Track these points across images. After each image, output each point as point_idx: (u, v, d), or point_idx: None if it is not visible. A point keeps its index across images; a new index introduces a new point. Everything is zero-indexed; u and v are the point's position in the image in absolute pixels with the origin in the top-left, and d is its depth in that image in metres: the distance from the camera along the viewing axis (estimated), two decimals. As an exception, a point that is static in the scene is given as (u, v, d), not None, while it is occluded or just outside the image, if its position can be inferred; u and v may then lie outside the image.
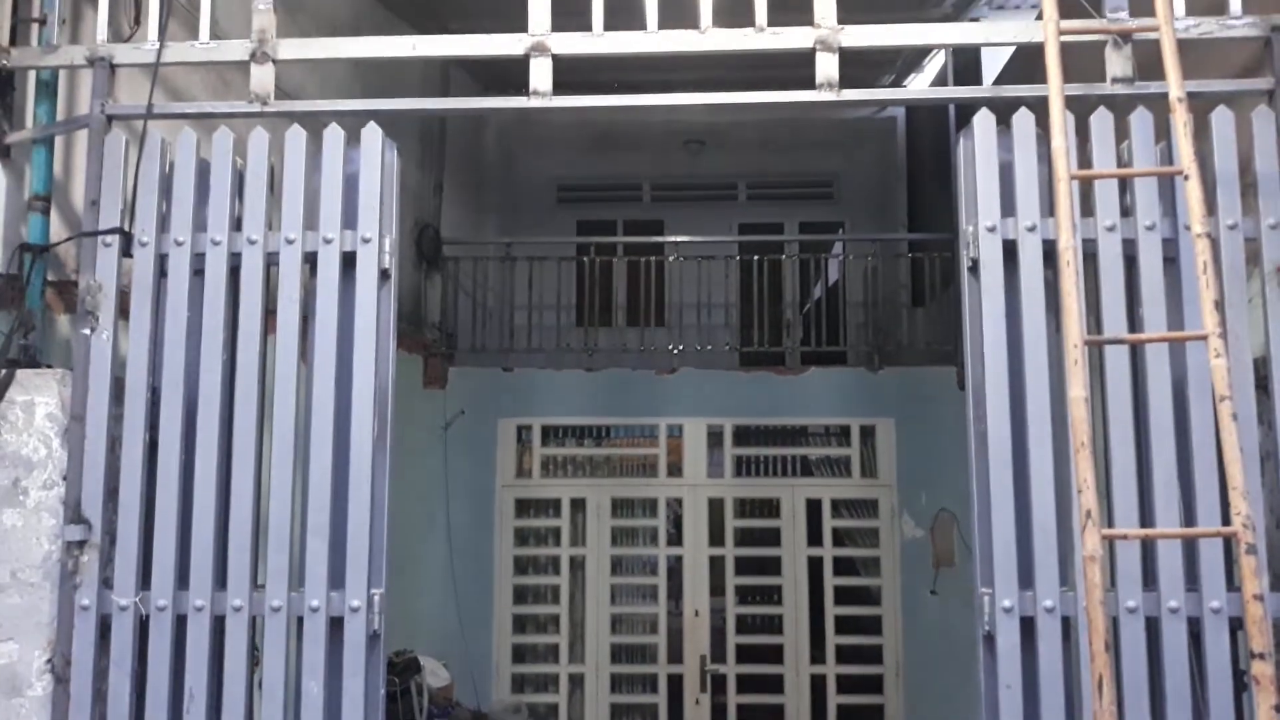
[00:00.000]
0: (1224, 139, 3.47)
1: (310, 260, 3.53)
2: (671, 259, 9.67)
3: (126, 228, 3.55)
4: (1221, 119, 3.47)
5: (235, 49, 3.68)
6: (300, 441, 3.47)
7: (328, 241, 3.49)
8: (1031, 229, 3.44)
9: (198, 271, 3.54)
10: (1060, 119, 3.24)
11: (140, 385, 3.48)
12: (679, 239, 9.96)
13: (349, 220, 3.53)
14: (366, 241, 3.49)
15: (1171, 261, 3.44)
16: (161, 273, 3.55)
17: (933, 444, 8.11)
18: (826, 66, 3.55)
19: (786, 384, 8.67)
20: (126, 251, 3.54)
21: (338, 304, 3.48)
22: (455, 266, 8.98)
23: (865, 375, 8.73)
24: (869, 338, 9.23)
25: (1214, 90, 3.59)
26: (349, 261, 3.51)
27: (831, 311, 9.79)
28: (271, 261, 3.54)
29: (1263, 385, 3.44)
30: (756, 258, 9.33)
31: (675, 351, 9.08)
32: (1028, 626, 3.26)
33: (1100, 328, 3.41)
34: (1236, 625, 3.16)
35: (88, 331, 3.48)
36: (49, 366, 3.59)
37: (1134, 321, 3.43)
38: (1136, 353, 3.38)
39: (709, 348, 9.17)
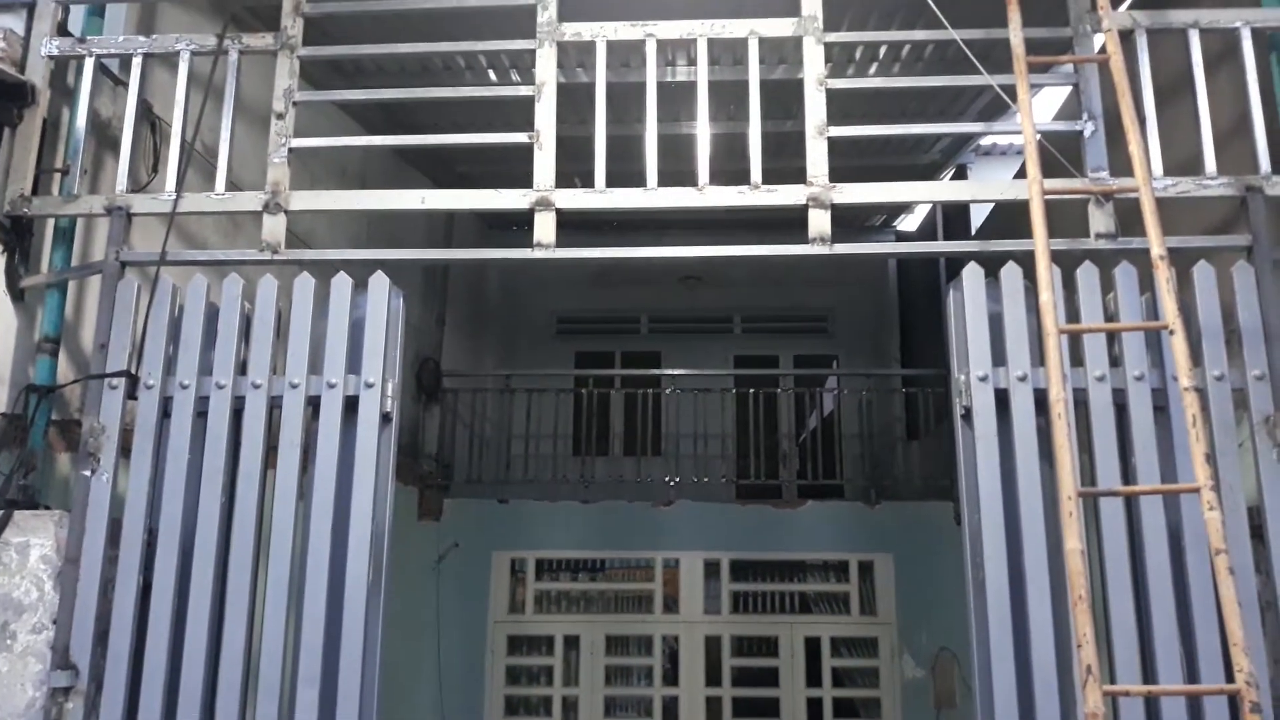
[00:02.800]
0: (1206, 293, 3.57)
1: (313, 404, 3.58)
2: (668, 391, 9.74)
3: (133, 370, 3.61)
4: (1203, 274, 3.59)
5: (249, 200, 3.81)
6: (295, 587, 3.45)
7: (331, 386, 3.55)
8: (1023, 378, 3.51)
9: (201, 414, 3.58)
10: (1047, 274, 3.34)
11: (138, 527, 3.48)
12: (676, 372, 10.06)
13: (353, 365, 3.59)
14: (369, 386, 3.55)
15: (1162, 410, 3.49)
16: (165, 414, 3.59)
17: (932, 581, 8.02)
18: (819, 222, 3.69)
19: (783, 518, 8.62)
20: (131, 394, 3.60)
21: (338, 449, 3.52)
22: (454, 398, 9.04)
23: (862, 510, 8.69)
24: (865, 471, 9.23)
25: (1195, 246, 3.72)
26: (351, 406, 3.56)
27: (827, 444, 9.81)
28: (274, 405, 3.59)
29: (1258, 534, 3.45)
30: (752, 390, 9.41)
31: (671, 484, 9.06)
32: (1031, 781, 3.19)
33: (1094, 477, 3.44)
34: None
35: (88, 473, 3.50)
36: (47, 507, 3.60)
37: (1127, 470, 3.46)
38: (1131, 503, 3.40)
39: (705, 480, 9.15)
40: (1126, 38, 3.90)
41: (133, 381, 3.59)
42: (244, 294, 3.69)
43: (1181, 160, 3.90)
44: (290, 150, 3.88)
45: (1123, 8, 4.66)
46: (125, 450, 3.58)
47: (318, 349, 3.62)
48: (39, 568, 3.42)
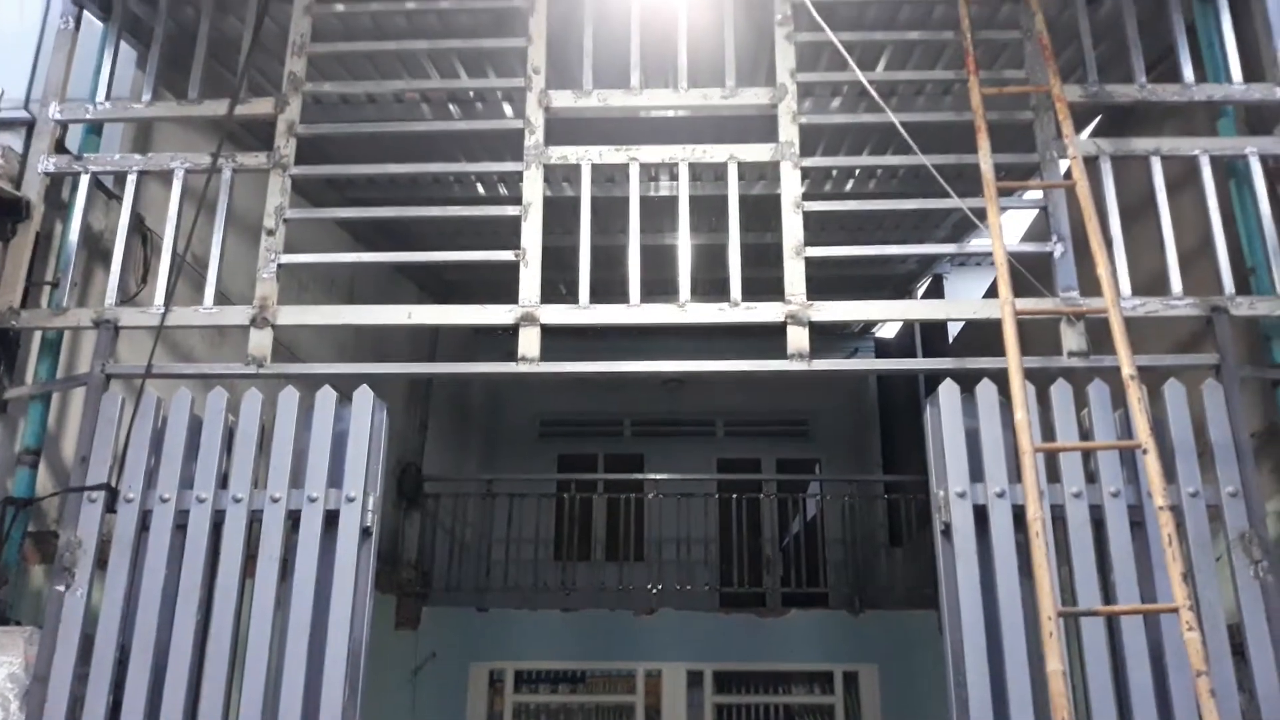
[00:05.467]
0: (1178, 410, 3.65)
1: (293, 518, 3.57)
2: (651, 495, 9.71)
3: (114, 483, 3.60)
4: (1174, 392, 3.66)
5: (237, 314, 3.87)
6: (270, 705, 3.38)
7: (312, 500, 3.55)
8: (1000, 495, 3.54)
9: (180, 527, 3.56)
10: (1021, 393, 3.41)
11: (110, 644, 3.42)
12: (659, 476, 10.04)
13: (335, 478, 3.60)
14: (351, 500, 3.55)
15: (1139, 526, 3.53)
16: (144, 528, 3.57)
17: (917, 693, 7.88)
18: (798, 338, 3.76)
19: (767, 627, 8.51)
20: (111, 507, 3.58)
21: (317, 564, 3.49)
22: (435, 503, 8.98)
23: (847, 619, 8.60)
24: (849, 578, 9.16)
25: (1165, 364, 3.81)
26: (331, 520, 3.55)
27: (811, 550, 9.75)
28: (255, 519, 3.58)
29: (1239, 651, 3.44)
30: (735, 495, 9.39)
31: (654, 591, 8.95)
32: None
33: (1074, 594, 3.45)
34: None
35: (62, 588, 3.46)
36: (17, 623, 3.54)
37: (1107, 586, 3.47)
38: (1113, 621, 3.40)
39: (688, 587, 9.05)
40: (1091, 163, 4.06)
41: (112, 494, 3.58)
42: (228, 406, 3.71)
43: (1150, 275, 4.02)
44: (280, 265, 3.95)
45: (1085, 134, 4.86)
46: (102, 563, 3.54)
47: (300, 462, 3.62)
48: (6, 686, 3.35)
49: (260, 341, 3.82)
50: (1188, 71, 4.25)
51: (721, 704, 8.45)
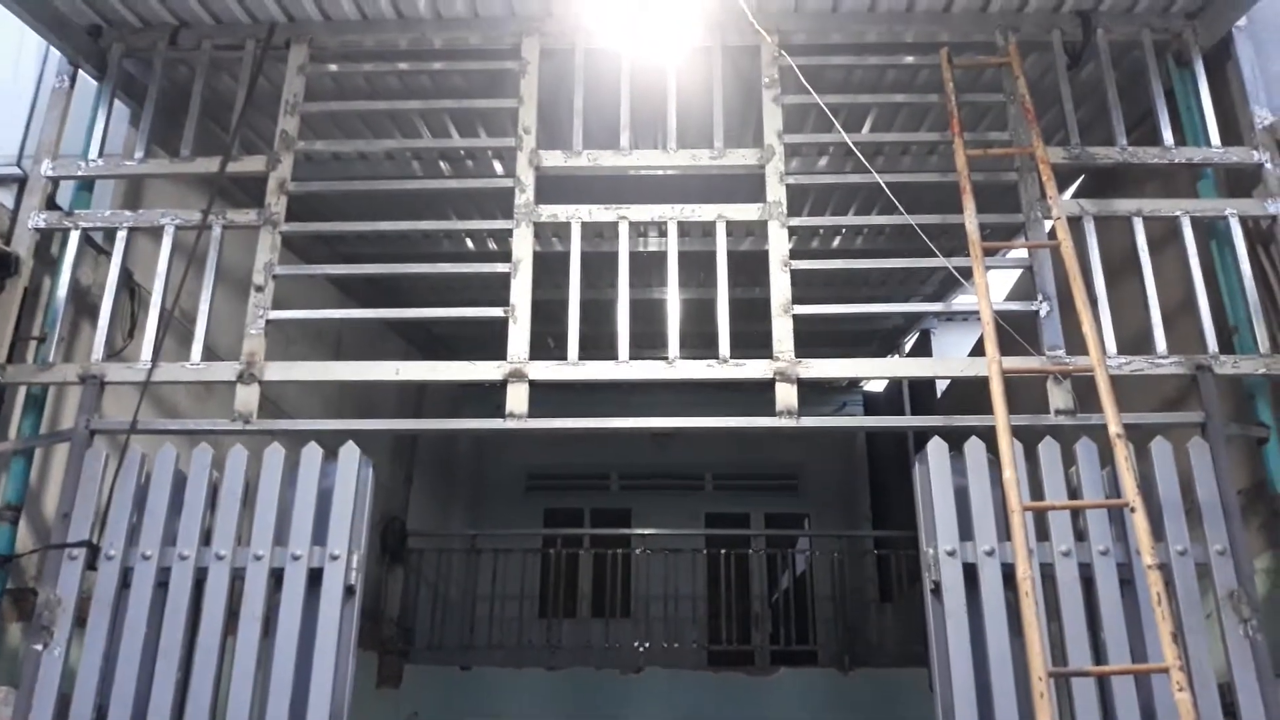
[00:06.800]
0: (1165, 469, 3.66)
1: (276, 575, 3.53)
2: (639, 551, 9.63)
3: (95, 540, 3.56)
4: (1161, 450, 3.68)
5: (224, 370, 3.86)
6: (249, 766, 3.32)
7: (295, 558, 3.51)
8: (990, 553, 3.53)
9: (162, 584, 3.52)
10: (1009, 452, 3.42)
11: (88, 703, 3.36)
12: (646, 531, 9.96)
13: (319, 536, 3.56)
14: (335, 558, 3.51)
15: (1128, 584, 3.52)
16: (125, 585, 3.52)
17: (908, 752, 7.78)
18: (786, 396, 3.77)
19: (756, 686, 8.40)
20: (91, 564, 3.53)
21: (300, 622, 3.45)
22: (419, 559, 8.88)
23: (837, 677, 8.49)
24: (838, 635, 9.07)
25: (1151, 422, 3.83)
26: (315, 578, 3.51)
27: (800, 606, 9.66)
28: (237, 576, 3.54)
29: (1230, 710, 3.42)
30: (724, 551, 9.32)
31: (641, 649, 8.84)
32: None
33: (1065, 653, 3.43)
34: None
35: (39, 647, 3.40)
36: (-7, 683, 3.47)
37: (1098, 644, 3.45)
38: (1104, 680, 3.38)
39: (676, 645, 8.94)
40: (1075, 223, 4.11)
41: (93, 551, 3.53)
42: (213, 462, 3.68)
43: (1135, 333, 4.06)
44: (268, 321, 3.95)
45: (1068, 194, 4.93)
46: (81, 621, 3.49)
47: (284, 519, 3.59)
48: (-20, 749, 3.28)
49: (247, 397, 3.80)
50: (1167, 135, 4.33)
51: (711, 765, 8.30)
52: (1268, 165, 4.16)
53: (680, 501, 11.43)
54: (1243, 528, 3.59)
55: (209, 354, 4.05)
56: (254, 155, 4.39)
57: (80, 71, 4.47)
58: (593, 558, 9.52)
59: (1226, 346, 4.01)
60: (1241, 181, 4.29)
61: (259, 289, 3.99)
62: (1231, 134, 4.32)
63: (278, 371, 3.87)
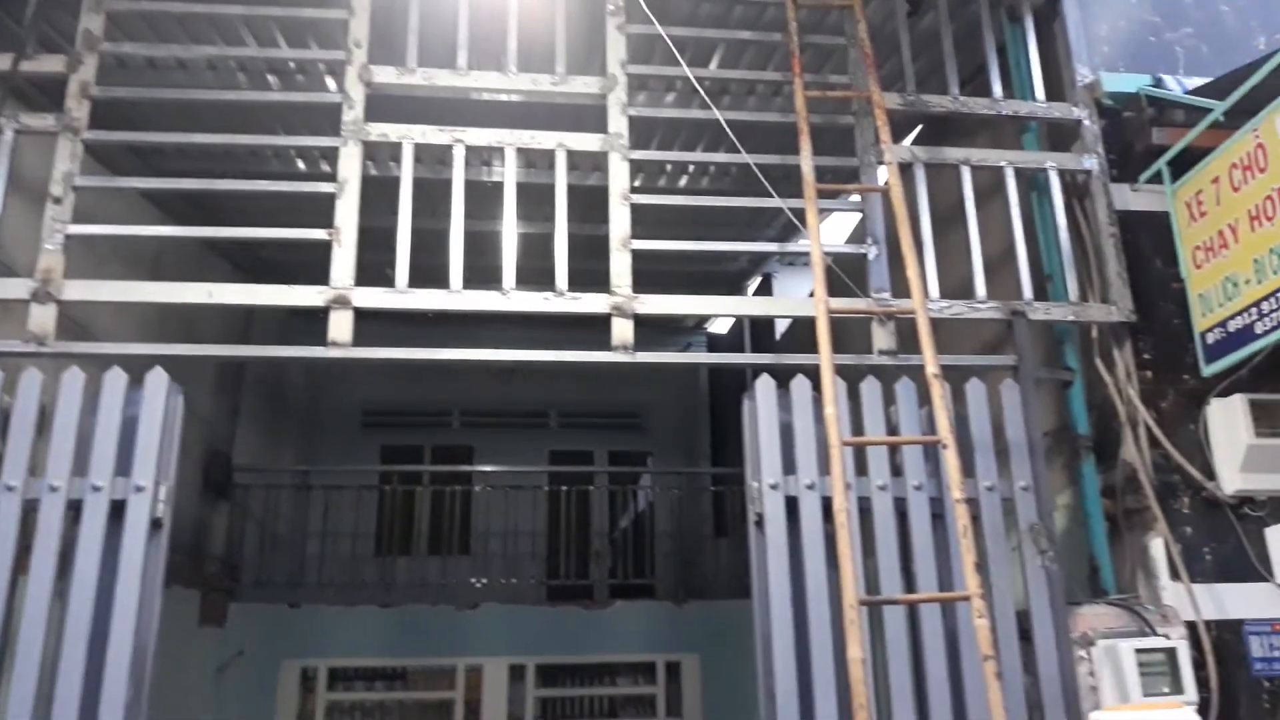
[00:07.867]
0: (978, 408, 3.83)
1: (75, 508, 3.30)
2: (479, 488, 9.55)
3: None
4: (975, 390, 3.84)
5: (16, 287, 3.54)
6: (41, 707, 3.11)
7: (96, 489, 3.29)
8: (810, 487, 3.63)
9: (-58, 518, 3.23)
10: (831, 388, 3.50)
11: None
12: (488, 468, 9.88)
13: (123, 467, 3.34)
14: (140, 490, 3.31)
15: (940, 518, 3.68)
16: (-103, 519, 3.22)
17: (737, 681, 8.07)
18: (622, 331, 3.75)
19: (593, 619, 8.52)
20: None
21: (100, 556, 3.24)
22: (246, 494, 8.54)
23: (671, 609, 8.70)
24: (676, 570, 9.27)
25: (968, 364, 4.00)
26: (118, 510, 3.30)
27: (640, 542, 9.82)
28: (30, 508, 3.28)
29: (1026, 636, 3.65)
30: (565, 488, 9.35)
31: (479, 585, 8.81)
32: None
33: (879, 583, 3.58)
34: None
35: None
36: None
37: (909, 578, 3.61)
38: (913, 609, 3.54)
39: (514, 581, 8.95)
40: (907, 170, 4.21)
41: None
42: (4, 386, 3.39)
43: (959, 280, 4.21)
44: (68, 236, 3.64)
45: (907, 142, 5.05)
46: None
47: (84, 449, 3.35)
48: None
49: (42, 318, 3.51)
50: (997, 88, 4.47)
51: (544, 697, 8.41)
52: (1085, 121, 4.36)
53: (525, 439, 11.37)
54: (1046, 466, 3.80)
55: (6, 270, 3.72)
56: (54, 55, 4.01)
57: None
58: (430, 495, 9.38)
59: (1041, 294, 4.21)
60: (1063, 136, 4.48)
61: (56, 201, 3.67)
62: (1056, 90, 4.50)
63: (78, 291, 3.58)
